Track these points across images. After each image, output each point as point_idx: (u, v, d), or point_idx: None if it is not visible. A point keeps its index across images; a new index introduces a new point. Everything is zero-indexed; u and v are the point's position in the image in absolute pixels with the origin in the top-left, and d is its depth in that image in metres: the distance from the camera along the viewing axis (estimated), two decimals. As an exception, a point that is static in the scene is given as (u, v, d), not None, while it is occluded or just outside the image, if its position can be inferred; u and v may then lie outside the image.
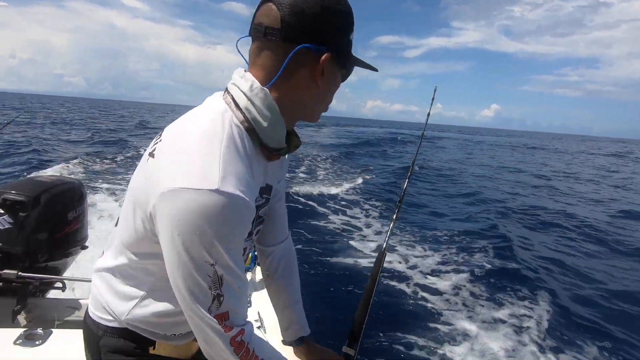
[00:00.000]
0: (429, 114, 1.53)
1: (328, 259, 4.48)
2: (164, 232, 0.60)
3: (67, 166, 7.71)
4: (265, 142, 0.69)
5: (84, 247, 1.73)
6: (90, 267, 2.86)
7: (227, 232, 0.60)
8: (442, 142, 35.54)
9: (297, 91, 0.70)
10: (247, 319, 0.68)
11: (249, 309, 1.00)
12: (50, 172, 6.54)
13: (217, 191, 0.57)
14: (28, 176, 1.37)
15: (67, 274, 1.75)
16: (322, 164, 12.83)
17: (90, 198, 5.12)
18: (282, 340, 1.02)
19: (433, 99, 1.52)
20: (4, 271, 1.39)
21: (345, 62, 0.73)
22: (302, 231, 5.28)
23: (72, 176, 5.98)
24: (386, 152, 20.10)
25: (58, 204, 1.53)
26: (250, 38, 0.70)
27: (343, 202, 7.24)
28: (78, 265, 1.95)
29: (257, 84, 0.67)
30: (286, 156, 0.85)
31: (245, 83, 0.67)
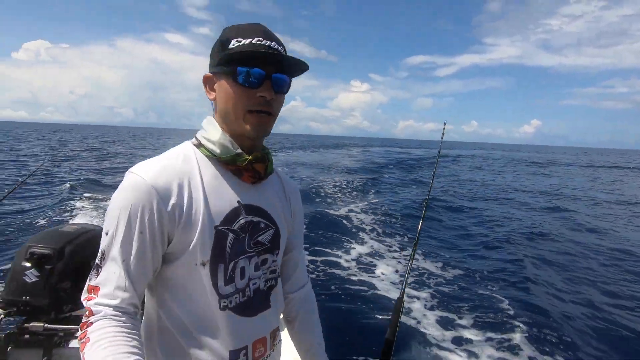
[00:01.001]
0: (439, 151, 1.66)
1: (344, 292, 4.44)
2: None
3: (91, 207, 7.70)
4: (209, 149, 0.80)
5: None
6: None
7: (116, 205, 0.72)
8: (474, 161, 33.98)
9: (217, 110, 0.83)
10: (118, 310, 0.69)
11: None
12: (76, 219, 6.78)
13: (129, 172, 0.74)
14: (53, 227, 1.50)
15: None
16: (345, 188, 12.82)
17: None
18: None
19: (443, 134, 1.67)
20: (31, 324, 1.43)
21: (222, 69, 0.78)
22: (318, 259, 5.26)
23: (94, 219, 6.45)
24: (411, 173, 19.77)
25: (81, 254, 1.59)
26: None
27: (362, 229, 7.03)
28: None
29: (207, 118, 0.85)
30: (284, 190, 0.95)
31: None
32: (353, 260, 5.64)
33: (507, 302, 4.49)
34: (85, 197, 8.52)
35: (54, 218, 6.78)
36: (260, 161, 0.83)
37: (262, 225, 0.85)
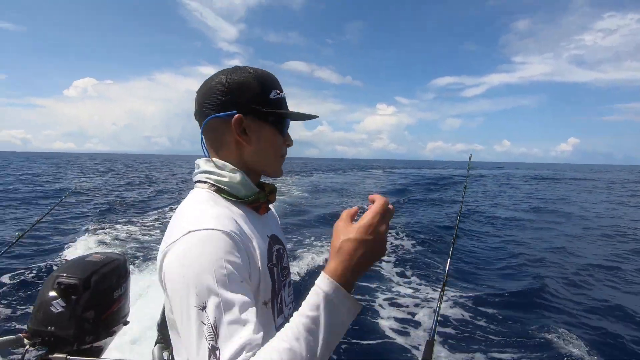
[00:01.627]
0: (465, 187, 1.61)
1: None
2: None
3: (113, 236, 7.55)
4: (234, 193, 0.78)
5: (126, 323, 1.73)
6: (125, 340, 2.95)
7: (209, 266, 0.61)
8: (512, 182, 31.57)
9: (234, 152, 0.80)
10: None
11: None
12: (100, 248, 6.74)
13: (189, 233, 0.64)
14: (79, 257, 1.50)
15: (107, 351, 1.76)
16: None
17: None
18: None
19: (469, 168, 1.63)
20: (54, 355, 1.41)
21: (267, 116, 0.79)
22: None
23: (117, 248, 6.40)
24: (434, 192, 18.64)
25: (105, 284, 1.58)
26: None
27: (385, 262, 6.50)
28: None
29: (204, 159, 0.82)
30: (276, 214, 0.97)
31: (199, 165, 0.82)
32: (374, 292, 5.22)
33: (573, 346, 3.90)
34: (108, 225, 8.57)
35: (80, 245, 6.77)
36: (274, 191, 0.88)
37: (282, 251, 0.88)
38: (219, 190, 0.79)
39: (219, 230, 0.65)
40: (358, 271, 0.62)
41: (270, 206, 0.93)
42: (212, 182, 0.79)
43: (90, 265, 1.57)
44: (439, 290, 1.41)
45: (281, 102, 0.82)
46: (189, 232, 0.65)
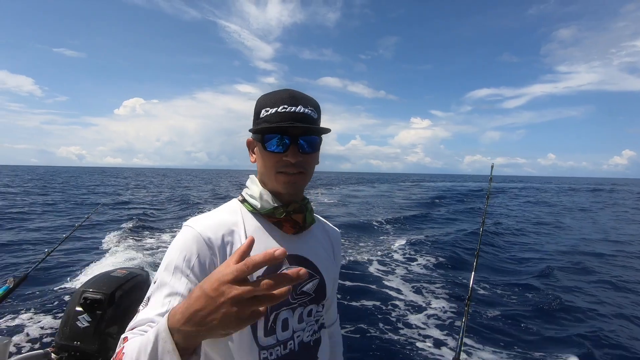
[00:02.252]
0: (487, 197, 1.50)
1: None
2: None
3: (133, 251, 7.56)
4: (251, 204, 0.87)
5: None
6: None
7: (172, 250, 0.77)
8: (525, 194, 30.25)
9: (258, 169, 0.89)
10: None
11: None
12: (124, 263, 6.81)
13: (184, 225, 0.82)
14: (104, 272, 1.53)
15: None
16: (393, 223, 12.03)
17: None
18: None
19: (491, 179, 1.50)
20: None
21: (256, 137, 0.86)
22: (352, 313, 4.68)
23: (139, 263, 6.47)
24: (464, 204, 18.29)
25: (129, 299, 1.61)
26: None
27: (403, 279, 6.22)
28: None
29: (252, 176, 0.93)
30: (329, 237, 0.97)
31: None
32: (393, 309, 5.03)
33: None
34: (134, 239, 8.75)
35: (107, 261, 6.79)
36: (298, 212, 0.87)
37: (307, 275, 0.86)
38: (243, 200, 0.89)
39: (194, 229, 0.79)
40: (192, 329, 0.51)
41: (330, 232, 1.01)
42: (242, 193, 0.91)
43: (114, 281, 1.61)
44: (464, 305, 1.29)
45: (271, 118, 0.81)
46: (184, 224, 0.82)
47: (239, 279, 0.48)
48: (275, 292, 0.48)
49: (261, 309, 0.49)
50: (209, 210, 0.89)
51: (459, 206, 19.50)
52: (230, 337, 0.76)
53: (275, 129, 0.80)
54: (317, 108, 0.85)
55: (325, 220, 1.03)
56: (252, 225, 0.84)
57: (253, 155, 0.90)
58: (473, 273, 1.36)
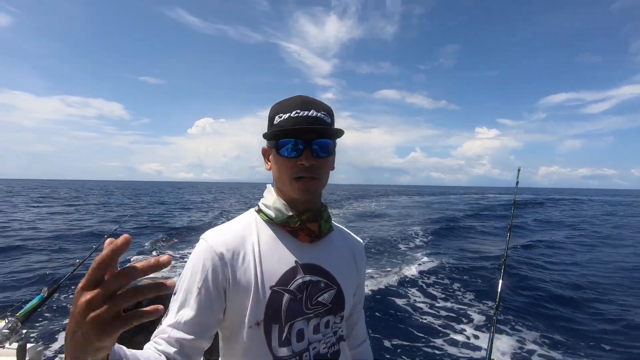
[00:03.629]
0: (514, 203, 1.46)
1: None
2: None
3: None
4: (268, 214, 0.85)
5: None
6: None
7: (189, 263, 0.79)
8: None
9: (273, 178, 0.89)
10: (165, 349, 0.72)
11: None
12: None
13: (200, 238, 0.83)
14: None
15: None
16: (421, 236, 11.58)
17: None
18: None
19: (517, 182, 1.49)
20: None
21: (271, 144, 0.86)
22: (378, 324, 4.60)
23: (167, 273, 6.33)
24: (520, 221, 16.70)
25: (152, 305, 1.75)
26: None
27: (431, 291, 6.04)
28: None
29: (269, 186, 0.93)
30: (350, 247, 0.94)
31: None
32: (424, 315, 4.99)
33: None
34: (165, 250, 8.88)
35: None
36: (313, 220, 0.84)
37: (323, 285, 0.83)
38: (259, 210, 0.89)
39: (207, 242, 0.80)
40: (74, 350, 0.45)
41: (351, 241, 0.97)
42: (258, 203, 0.90)
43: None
44: (493, 314, 1.31)
45: (285, 123, 0.80)
46: (200, 237, 0.83)
47: (91, 284, 0.43)
48: (132, 293, 0.43)
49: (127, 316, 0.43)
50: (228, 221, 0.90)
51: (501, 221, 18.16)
52: (246, 347, 0.77)
53: (288, 133, 0.79)
54: (329, 112, 0.84)
55: (347, 231, 0.99)
56: (267, 235, 0.84)
57: (268, 162, 0.89)
58: (501, 281, 1.34)
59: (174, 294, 0.78)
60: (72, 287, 5.65)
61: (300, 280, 0.80)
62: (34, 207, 21.99)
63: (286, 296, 0.78)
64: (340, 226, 0.98)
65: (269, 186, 0.90)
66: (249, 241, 0.82)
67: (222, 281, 0.76)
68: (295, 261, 0.81)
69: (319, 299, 0.82)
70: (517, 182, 1.44)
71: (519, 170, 1.43)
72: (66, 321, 4.14)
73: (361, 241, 1.00)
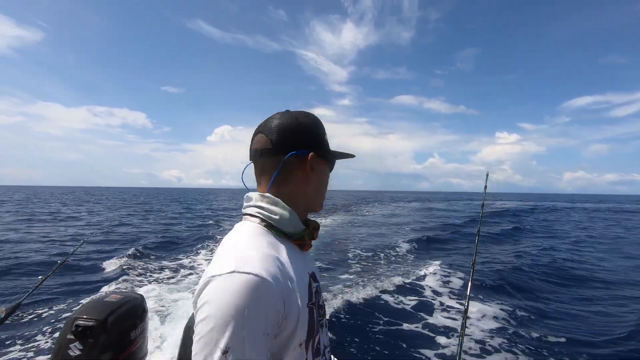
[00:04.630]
0: (482, 205, 1.52)
1: None
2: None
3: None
4: (284, 230, 0.79)
5: None
6: None
7: (242, 313, 0.59)
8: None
9: (298, 188, 0.82)
10: None
11: None
12: (119, 285, 6.37)
13: (232, 273, 0.62)
14: (98, 297, 1.57)
15: None
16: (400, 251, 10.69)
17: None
18: None
19: (486, 186, 1.56)
20: None
21: (326, 155, 0.86)
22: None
23: (136, 289, 6.03)
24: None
25: (123, 325, 1.53)
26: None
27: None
28: None
29: (258, 194, 0.82)
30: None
31: (251, 199, 0.82)
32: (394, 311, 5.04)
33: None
34: (138, 264, 8.18)
35: (103, 284, 6.51)
36: (317, 229, 0.87)
37: (319, 289, 0.86)
38: (269, 225, 0.79)
39: (261, 277, 0.63)
40: None
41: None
42: (263, 217, 0.79)
43: (107, 306, 1.53)
44: (463, 308, 1.33)
45: (342, 153, 0.89)
46: (233, 272, 0.63)
47: None
48: None
49: None
50: (230, 232, 0.79)
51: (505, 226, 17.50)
52: None
53: (340, 157, 0.89)
54: None
55: None
56: (287, 253, 0.76)
57: (312, 172, 0.83)
58: (470, 284, 1.40)
59: (225, 353, 0.59)
60: (34, 305, 5.47)
61: (315, 289, 0.81)
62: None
63: (314, 310, 0.78)
64: None
65: (275, 198, 0.80)
66: (284, 262, 0.73)
67: (281, 318, 0.67)
68: (309, 273, 0.81)
69: (321, 303, 0.85)
70: (486, 187, 1.51)
71: (487, 175, 1.50)
72: (24, 344, 4.17)
73: None
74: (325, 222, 17.94)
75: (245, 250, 0.69)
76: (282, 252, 0.75)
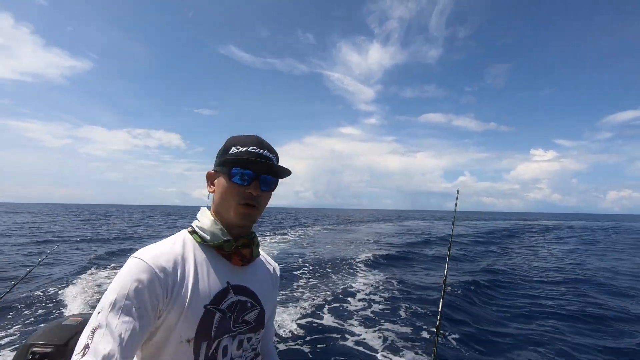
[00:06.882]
0: (453, 222, 1.51)
1: None
2: None
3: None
4: (200, 236, 0.88)
5: None
6: None
7: (117, 285, 0.74)
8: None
9: (215, 202, 0.92)
10: None
11: None
12: (74, 310, 5.72)
13: (131, 257, 0.79)
14: (54, 322, 1.46)
15: None
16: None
17: None
18: None
19: (456, 204, 1.55)
20: None
21: (221, 168, 0.90)
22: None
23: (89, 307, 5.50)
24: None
25: None
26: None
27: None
28: None
29: (203, 209, 0.94)
30: (274, 270, 1.02)
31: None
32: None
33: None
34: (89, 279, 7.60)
35: (52, 308, 5.73)
36: (247, 246, 0.91)
37: (249, 305, 0.89)
38: (193, 232, 0.91)
39: (142, 260, 0.78)
40: None
41: (274, 265, 1.07)
42: (192, 225, 0.92)
43: (67, 330, 1.39)
44: (434, 334, 1.35)
45: (241, 154, 0.87)
46: (131, 256, 0.80)
47: None
48: None
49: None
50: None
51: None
52: None
53: (244, 164, 0.86)
54: (277, 157, 0.94)
55: (266, 255, 1.07)
56: (201, 256, 0.86)
57: (212, 186, 0.93)
58: (442, 300, 1.39)
59: (98, 312, 0.73)
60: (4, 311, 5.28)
61: (230, 300, 0.85)
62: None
63: (217, 315, 0.82)
64: (261, 251, 1.04)
65: (204, 209, 0.93)
66: (186, 260, 0.83)
67: (158, 300, 0.76)
68: (227, 282, 0.86)
69: (245, 318, 0.88)
70: (456, 204, 1.50)
71: (457, 192, 1.50)
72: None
73: (277, 266, 1.10)
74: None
75: (155, 245, 0.84)
76: (190, 253, 0.85)
